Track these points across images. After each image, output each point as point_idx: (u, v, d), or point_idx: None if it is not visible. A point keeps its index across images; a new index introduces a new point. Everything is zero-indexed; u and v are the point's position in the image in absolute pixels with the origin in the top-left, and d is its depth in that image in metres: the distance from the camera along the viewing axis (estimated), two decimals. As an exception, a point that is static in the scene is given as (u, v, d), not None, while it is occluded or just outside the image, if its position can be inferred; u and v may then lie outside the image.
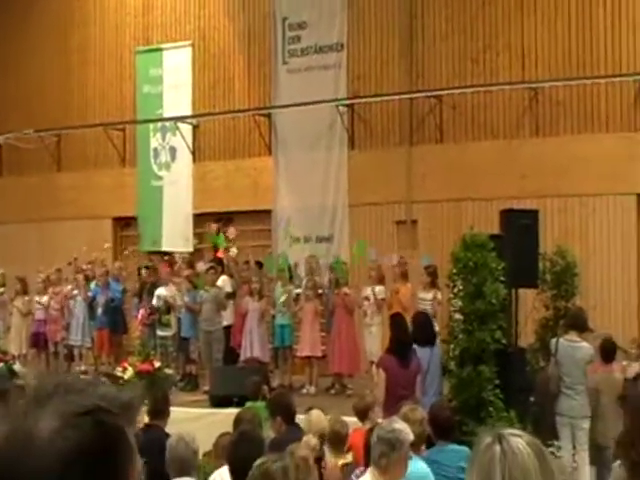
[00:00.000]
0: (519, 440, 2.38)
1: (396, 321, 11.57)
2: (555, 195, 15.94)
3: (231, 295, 16.23)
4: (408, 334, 11.37)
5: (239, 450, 6.09)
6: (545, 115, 16.62)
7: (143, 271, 17.52)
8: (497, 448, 2.36)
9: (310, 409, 9.10)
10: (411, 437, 6.37)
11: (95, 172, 21.11)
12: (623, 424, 9.12)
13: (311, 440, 7.71)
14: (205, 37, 20.17)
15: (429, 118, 17.49)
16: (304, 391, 15.12)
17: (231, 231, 17.46)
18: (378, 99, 17.84)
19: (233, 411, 11.53)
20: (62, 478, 1.48)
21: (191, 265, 17.03)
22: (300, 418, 8.98)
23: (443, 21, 17.49)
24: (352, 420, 9.34)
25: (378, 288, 15.07)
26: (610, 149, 15.76)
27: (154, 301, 16.36)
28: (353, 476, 7.00)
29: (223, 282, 16.25)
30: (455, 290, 11.43)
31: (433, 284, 14.50)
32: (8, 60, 22.56)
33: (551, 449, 9.61)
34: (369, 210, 17.68)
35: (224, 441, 7.08)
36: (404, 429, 6.36)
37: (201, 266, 16.80)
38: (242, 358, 15.61)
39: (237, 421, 8.10)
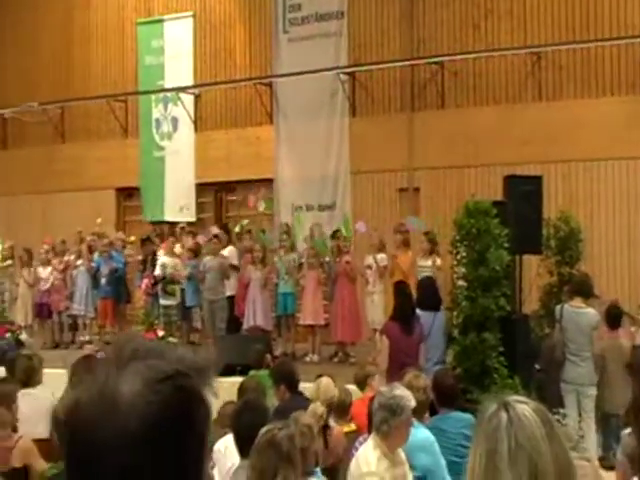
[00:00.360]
0: (525, 407, 2.35)
1: (400, 288, 11.57)
2: (559, 160, 15.86)
3: (236, 268, 16.23)
4: (412, 301, 11.39)
5: (244, 418, 6.10)
6: (548, 80, 16.51)
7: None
8: (503, 415, 2.33)
9: (320, 376, 9.07)
10: (412, 403, 6.37)
11: (98, 143, 21.09)
12: (632, 391, 9.12)
13: (318, 408, 7.71)
14: (206, 7, 20.07)
15: (430, 85, 17.39)
16: (307, 359, 15.13)
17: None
18: (379, 66, 17.75)
19: (237, 380, 11.54)
20: (145, 441, 1.51)
21: (193, 235, 17.03)
22: (306, 386, 8.99)
23: (444, -13, 17.36)
24: (354, 388, 9.36)
25: (380, 256, 15.02)
26: (615, 113, 15.66)
27: (157, 270, 16.38)
28: (357, 443, 7.02)
29: (230, 253, 16.27)
30: (458, 257, 11.41)
31: (432, 251, 14.47)
32: (13, 36, 22.49)
33: (556, 417, 9.60)
34: (371, 178, 17.63)
35: (228, 410, 7.08)
36: (405, 395, 6.37)
37: (214, 230, 16.80)
38: (245, 326, 15.63)
39: (241, 390, 8.10)
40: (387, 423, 6.22)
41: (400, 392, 6.33)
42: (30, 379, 8.24)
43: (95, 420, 1.53)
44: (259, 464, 5.15)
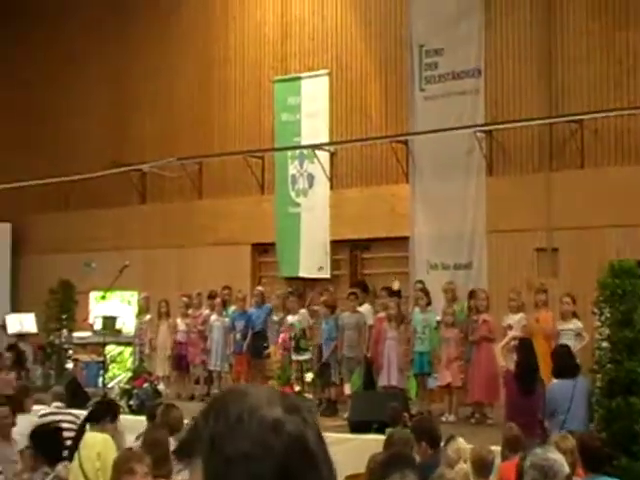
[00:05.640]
0: None
1: (523, 346, 11.44)
2: None
3: (371, 327, 16.24)
4: (534, 361, 11.19)
5: (391, 471, 6.04)
6: (693, 139, 16.17)
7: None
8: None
9: (452, 437, 8.92)
10: (566, 469, 6.19)
11: (235, 199, 21.44)
12: None
13: (463, 467, 7.59)
14: (342, 65, 20.30)
15: (570, 143, 17.19)
16: (443, 419, 14.93)
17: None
18: (517, 124, 17.64)
19: (372, 437, 11.49)
20: None
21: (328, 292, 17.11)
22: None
23: (584, 44, 17.19)
24: (497, 449, 9.16)
25: (518, 316, 14.83)
26: None
27: (290, 327, 16.53)
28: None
29: (366, 311, 16.30)
30: (602, 318, 11.18)
31: (574, 313, 14.22)
32: (152, 91, 23.18)
33: None
34: (508, 237, 17.42)
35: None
36: (559, 459, 6.20)
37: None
38: (380, 384, 15.56)
39: (389, 442, 8.01)
40: (538, 485, 6.07)
41: (554, 455, 6.17)
42: (178, 429, 8.33)
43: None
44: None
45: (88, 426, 9.43)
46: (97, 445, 8.55)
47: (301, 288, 19.02)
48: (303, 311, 16.83)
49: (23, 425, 10.55)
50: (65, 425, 10.73)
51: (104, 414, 9.30)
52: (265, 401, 1.66)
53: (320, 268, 19.06)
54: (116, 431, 9.38)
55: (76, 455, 8.75)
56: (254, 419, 1.63)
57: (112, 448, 8.47)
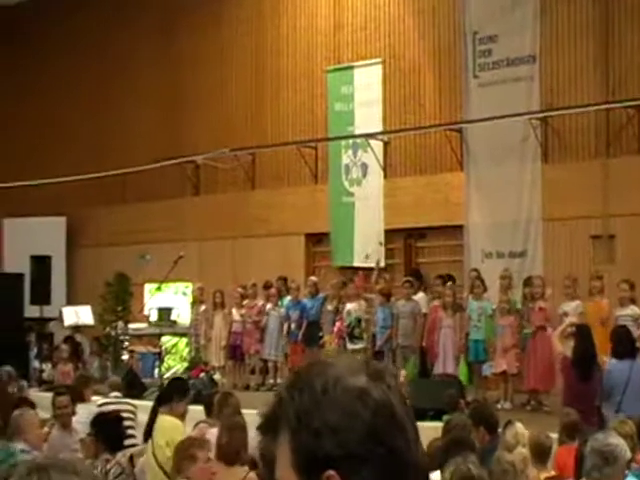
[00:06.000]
0: None
1: (581, 332, 11.34)
2: None
3: (426, 315, 16.21)
4: (592, 347, 11.10)
5: (452, 455, 6.05)
6: None
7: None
8: None
9: (510, 422, 8.89)
10: (628, 454, 6.16)
11: (288, 189, 21.49)
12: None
13: (521, 451, 7.55)
14: (395, 54, 20.22)
15: (627, 129, 16.97)
16: (499, 406, 14.84)
17: None
18: (572, 111, 17.45)
19: (429, 424, 11.46)
20: None
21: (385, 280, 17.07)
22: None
23: (641, 29, 16.97)
24: (554, 436, 9.10)
25: (575, 303, 14.71)
26: None
27: (345, 316, 16.53)
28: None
29: (421, 299, 16.28)
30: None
31: (632, 299, 14.07)
32: (205, 83, 23.27)
33: None
34: (564, 224, 17.27)
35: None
36: (620, 444, 6.17)
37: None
38: (435, 372, 15.55)
39: (447, 428, 8.00)
40: (599, 471, 6.04)
41: (615, 440, 6.14)
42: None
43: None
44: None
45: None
46: (166, 433, 8.59)
47: (355, 277, 18.97)
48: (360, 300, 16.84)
49: (83, 414, 10.71)
50: (125, 415, 10.84)
51: (173, 394, 9.35)
52: (348, 370, 1.66)
53: (367, 256, 18.98)
54: (185, 410, 9.41)
55: (150, 441, 8.81)
56: (339, 389, 1.63)
57: (180, 433, 8.51)
